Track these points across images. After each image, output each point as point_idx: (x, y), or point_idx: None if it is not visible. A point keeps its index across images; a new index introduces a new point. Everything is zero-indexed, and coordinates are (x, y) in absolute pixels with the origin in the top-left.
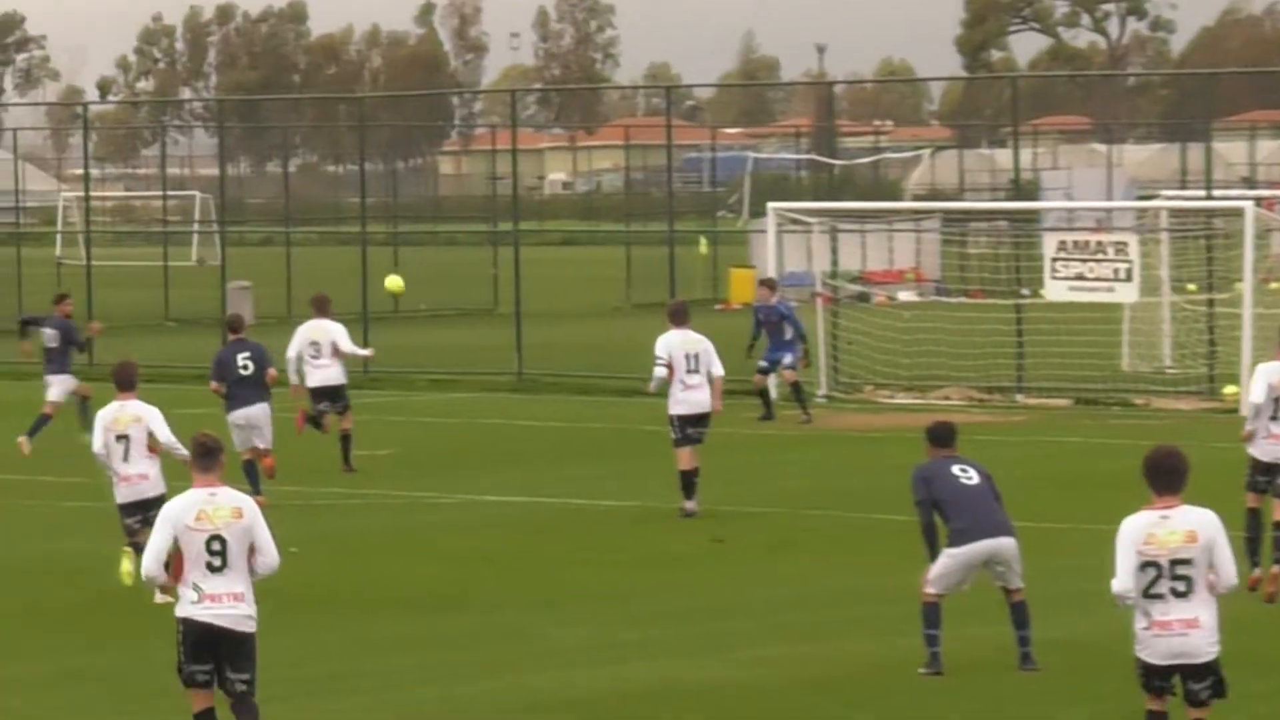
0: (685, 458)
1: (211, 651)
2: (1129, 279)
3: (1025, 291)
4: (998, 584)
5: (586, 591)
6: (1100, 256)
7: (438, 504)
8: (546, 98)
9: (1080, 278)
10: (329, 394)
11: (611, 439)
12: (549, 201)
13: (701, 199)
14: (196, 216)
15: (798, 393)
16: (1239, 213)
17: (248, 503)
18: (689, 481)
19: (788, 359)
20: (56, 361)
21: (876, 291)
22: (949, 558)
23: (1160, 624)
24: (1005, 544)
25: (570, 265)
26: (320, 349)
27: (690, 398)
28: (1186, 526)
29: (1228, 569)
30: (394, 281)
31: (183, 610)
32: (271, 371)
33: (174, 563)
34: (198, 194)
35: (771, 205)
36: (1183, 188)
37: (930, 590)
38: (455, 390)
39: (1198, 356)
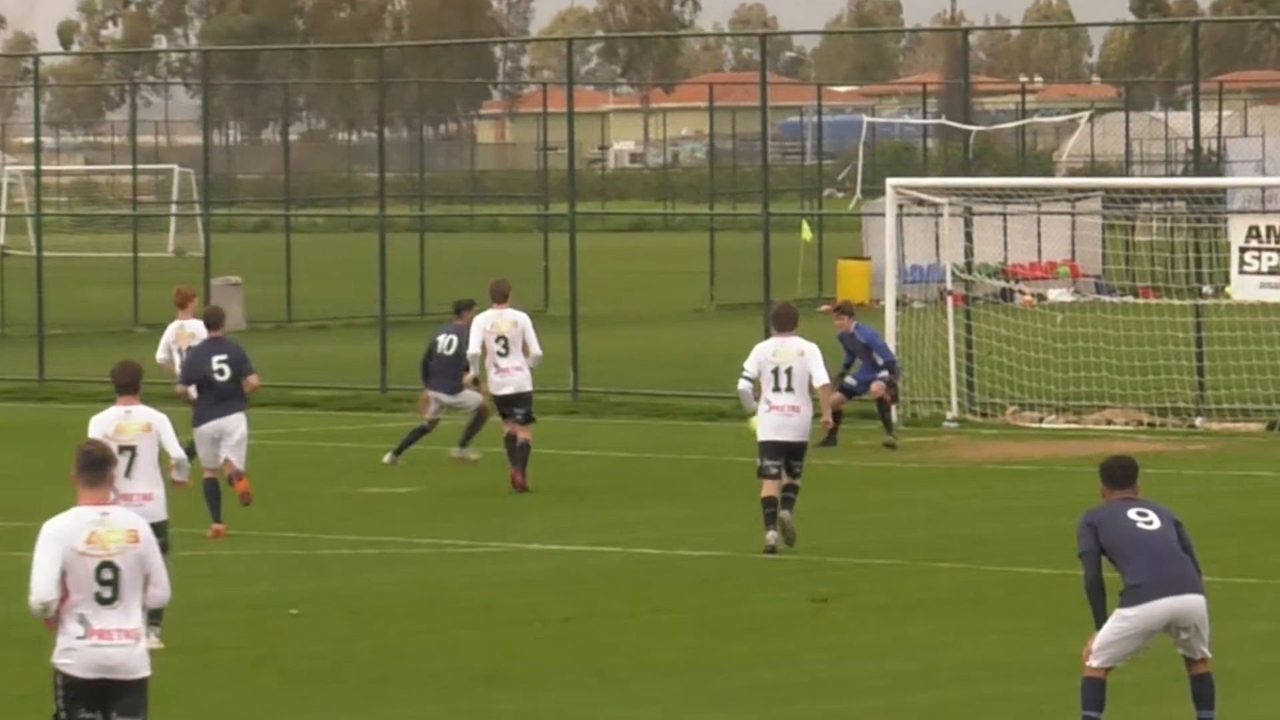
0: (769, 487)
1: (99, 699)
2: None
3: (1208, 290)
4: (1180, 652)
5: (657, 665)
6: None
7: (471, 554)
8: (611, 48)
9: (1276, 272)
10: (518, 401)
11: (690, 473)
12: (614, 177)
13: (804, 174)
14: (174, 196)
15: (884, 411)
16: None
17: (143, 525)
18: (769, 510)
19: (879, 376)
20: None
21: (1022, 289)
22: (1121, 620)
23: None
24: (1193, 603)
25: (640, 257)
26: (509, 345)
27: (775, 421)
28: None
29: None
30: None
31: (64, 650)
32: (253, 379)
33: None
34: (176, 168)
35: (891, 182)
36: None
37: (1094, 663)
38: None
39: None
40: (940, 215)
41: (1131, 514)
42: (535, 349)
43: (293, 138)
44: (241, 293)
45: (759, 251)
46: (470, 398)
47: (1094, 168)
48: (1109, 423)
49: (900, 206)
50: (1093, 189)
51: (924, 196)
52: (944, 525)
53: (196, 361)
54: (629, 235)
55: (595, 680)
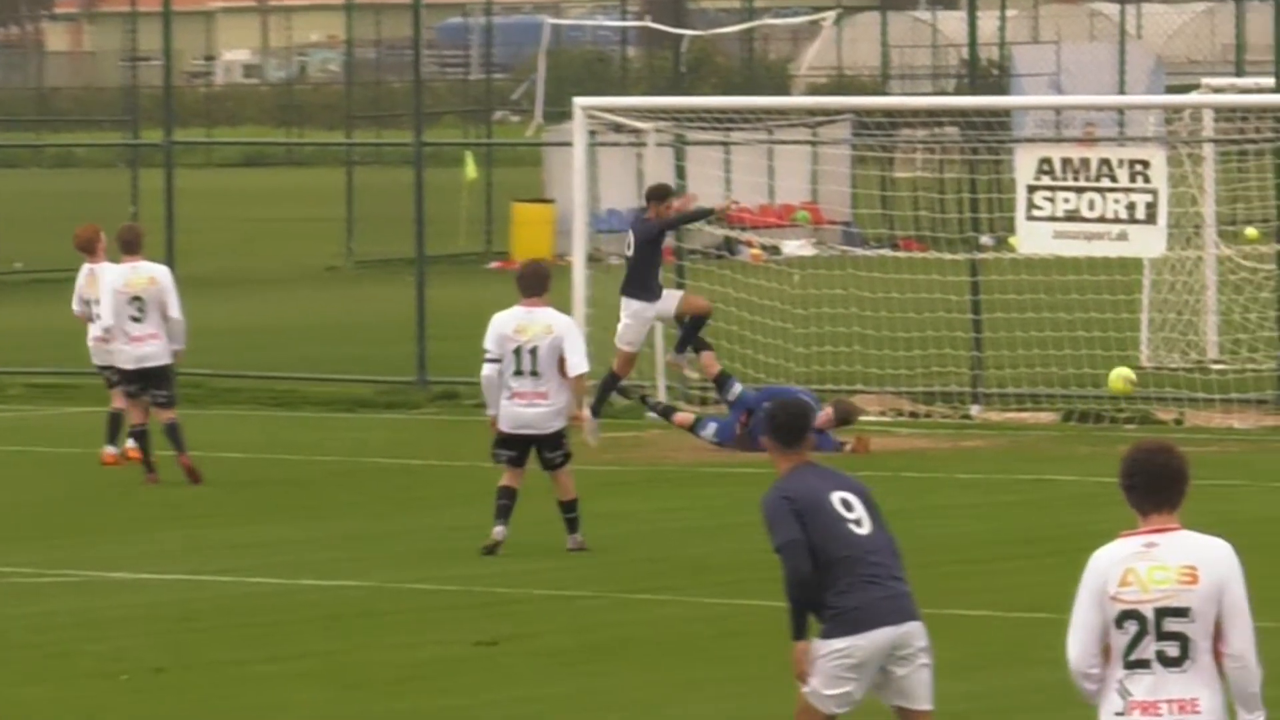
0: (509, 475)
1: None
2: (1151, 220)
3: (987, 240)
4: (894, 703)
5: None
6: (1106, 184)
7: (38, 586)
8: None
9: (1073, 218)
10: (156, 379)
11: (321, 480)
12: (223, 96)
13: (469, 92)
14: None
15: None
16: None
17: None
18: (502, 501)
19: None
20: None
21: (749, 240)
22: (836, 657)
23: (1143, 706)
24: (914, 632)
25: (256, 199)
26: (145, 308)
27: (514, 412)
28: (1183, 561)
29: (1241, 634)
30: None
31: None
32: None
33: None
34: None
35: (580, 102)
36: (1239, 73)
37: (816, 712)
38: (69, 401)
39: (1263, 344)
40: (644, 145)
41: (835, 503)
42: (174, 312)
43: None
44: None
45: (410, 192)
46: None
47: (842, 84)
48: (862, 413)
49: (592, 134)
50: (840, 111)
51: (623, 121)
52: (647, 546)
53: None
54: (242, 171)
55: None
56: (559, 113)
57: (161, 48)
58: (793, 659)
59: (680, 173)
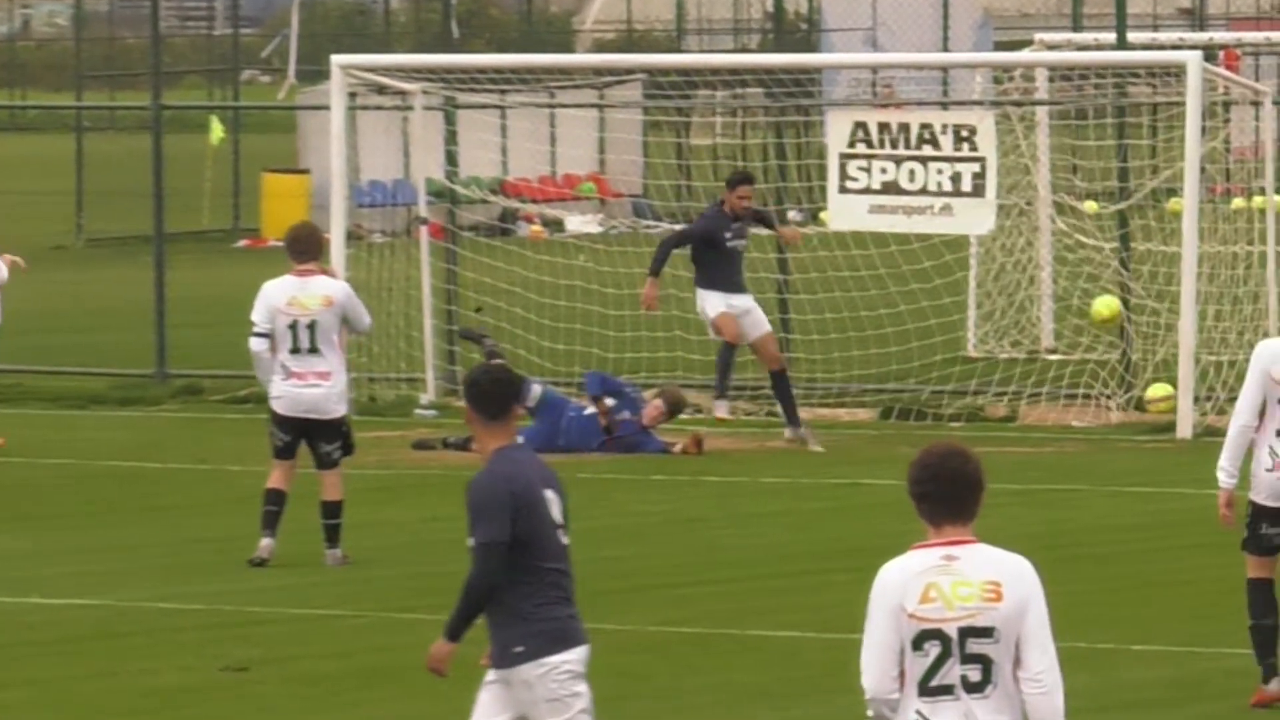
0: (277, 474)
1: None
2: (979, 192)
3: (795, 215)
4: None
5: None
6: (928, 153)
7: None
8: None
9: (891, 189)
10: None
11: (50, 484)
12: None
13: (213, 49)
14: None
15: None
16: (1176, 71)
17: None
18: (270, 507)
19: None
20: None
21: (529, 215)
22: (562, 673)
23: None
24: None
25: None
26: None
27: (291, 394)
28: (986, 576)
29: (1042, 656)
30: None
31: None
32: None
33: None
34: None
35: (338, 60)
36: (1075, 28)
37: None
38: None
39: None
40: (410, 109)
41: (549, 503)
42: None
43: None
44: None
45: (147, 162)
46: None
47: (632, 40)
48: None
49: (352, 96)
50: (630, 71)
51: (386, 82)
52: (414, 559)
53: None
54: None
55: None
56: (315, 72)
57: None
58: (438, 656)
59: (451, 139)
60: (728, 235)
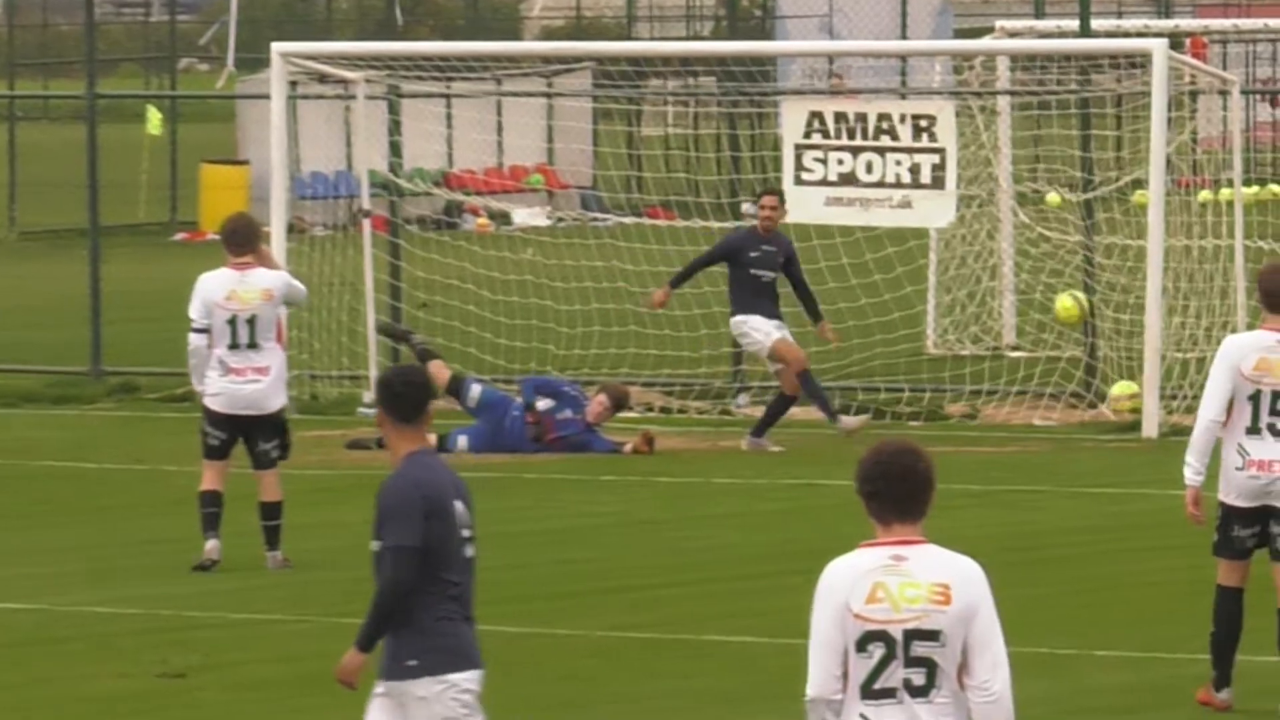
0: (210, 474)
1: None
2: (938, 184)
3: (748, 208)
4: None
5: None
6: (886, 143)
7: None
8: None
9: (848, 181)
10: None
11: None
12: None
13: (150, 36)
14: None
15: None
16: (1141, 61)
17: None
18: (208, 510)
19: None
20: None
21: (475, 208)
22: (460, 692)
23: None
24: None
25: None
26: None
27: (229, 390)
28: (934, 578)
29: (989, 663)
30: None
31: None
32: None
33: None
34: None
35: (279, 48)
36: (1038, 15)
37: None
38: None
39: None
40: (352, 98)
41: (458, 513)
42: None
43: None
44: None
45: (82, 152)
46: None
47: (581, 27)
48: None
49: (293, 85)
50: (579, 59)
51: (328, 70)
52: (357, 563)
53: None
54: None
55: None
56: (255, 60)
57: None
58: (349, 668)
59: (395, 129)
60: (753, 255)
